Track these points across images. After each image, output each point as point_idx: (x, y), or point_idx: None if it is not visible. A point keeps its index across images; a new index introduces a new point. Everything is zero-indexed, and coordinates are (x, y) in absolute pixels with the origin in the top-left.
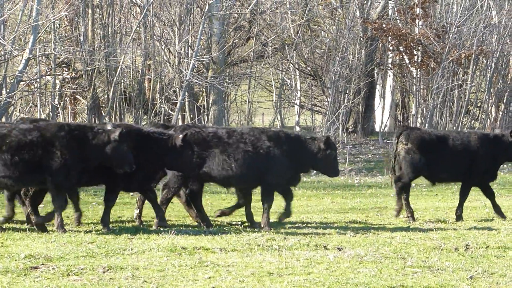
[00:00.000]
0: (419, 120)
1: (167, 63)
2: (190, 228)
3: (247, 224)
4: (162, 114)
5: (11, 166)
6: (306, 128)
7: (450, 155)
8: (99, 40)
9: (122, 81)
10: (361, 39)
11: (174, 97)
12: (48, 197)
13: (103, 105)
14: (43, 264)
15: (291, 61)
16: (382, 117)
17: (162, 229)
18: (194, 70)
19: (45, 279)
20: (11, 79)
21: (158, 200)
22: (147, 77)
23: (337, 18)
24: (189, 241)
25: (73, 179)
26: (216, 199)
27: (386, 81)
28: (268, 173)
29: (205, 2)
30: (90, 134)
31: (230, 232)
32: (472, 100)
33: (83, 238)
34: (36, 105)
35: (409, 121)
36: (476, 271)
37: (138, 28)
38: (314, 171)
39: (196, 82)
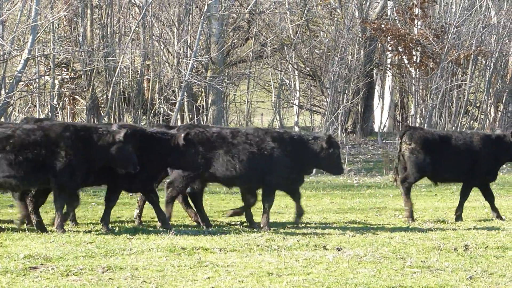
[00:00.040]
0: (418, 120)
1: (166, 63)
2: (189, 228)
3: (246, 224)
4: (161, 114)
5: (15, 165)
6: (305, 129)
7: (453, 155)
8: (98, 41)
9: (121, 81)
10: (360, 39)
11: (173, 97)
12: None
13: (102, 106)
14: (42, 264)
15: (290, 62)
16: (381, 118)
17: (161, 229)
18: (193, 70)
19: (44, 279)
20: (10, 79)
21: (164, 199)
22: (146, 77)
23: (336, 19)
24: (188, 241)
25: (78, 179)
26: (216, 199)
27: (385, 81)
28: (270, 173)
29: (204, 2)
30: (95, 135)
31: (229, 232)
32: (471, 100)
33: (82, 238)
34: (35, 106)
35: (408, 121)
36: (475, 271)
37: (137, 28)
38: (314, 171)
39: (195, 82)
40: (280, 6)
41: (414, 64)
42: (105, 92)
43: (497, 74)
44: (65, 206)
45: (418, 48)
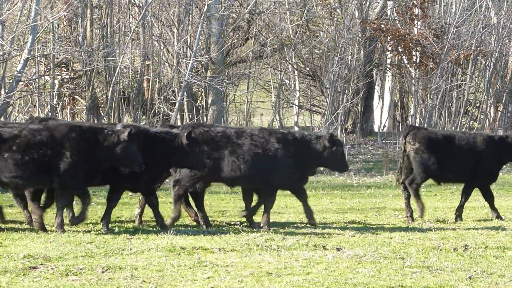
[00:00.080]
0: (417, 120)
1: (166, 63)
2: (189, 228)
3: (246, 224)
4: (161, 114)
5: (22, 165)
6: (304, 129)
7: (457, 155)
8: (97, 40)
9: (121, 81)
10: (360, 39)
11: (173, 97)
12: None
13: (102, 105)
14: (42, 264)
15: (290, 62)
16: (381, 118)
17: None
18: (193, 70)
19: (44, 279)
20: (10, 79)
21: (164, 199)
22: (145, 77)
23: (335, 19)
24: (188, 241)
25: (82, 180)
26: (215, 199)
27: (384, 82)
28: (272, 174)
29: (203, 2)
30: (101, 136)
31: (229, 232)
32: (470, 100)
33: (82, 238)
34: (34, 105)
35: (408, 121)
36: (475, 271)
37: (136, 28)
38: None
39: (195, 82)
40: (280, 6)
41: (414, 64)
42: (105, 92)
43: (496, 74)
44: (65, 206)
45: (418, 48)
